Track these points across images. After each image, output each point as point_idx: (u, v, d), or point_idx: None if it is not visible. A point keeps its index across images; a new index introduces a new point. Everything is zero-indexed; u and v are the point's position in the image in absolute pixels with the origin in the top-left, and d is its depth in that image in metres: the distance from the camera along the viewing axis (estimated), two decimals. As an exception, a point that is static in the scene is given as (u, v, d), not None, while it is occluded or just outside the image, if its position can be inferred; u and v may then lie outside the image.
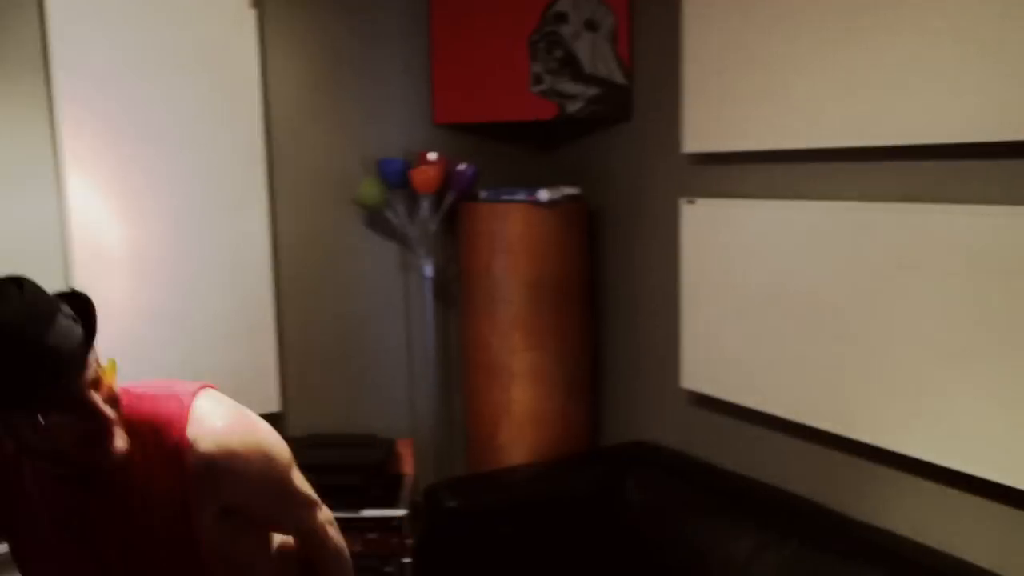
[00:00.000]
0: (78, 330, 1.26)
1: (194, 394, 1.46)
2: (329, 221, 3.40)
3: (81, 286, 2.86)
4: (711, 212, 2.84)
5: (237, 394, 3.15)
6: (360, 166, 3.39)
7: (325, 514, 1.72)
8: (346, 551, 1.74)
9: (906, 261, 2.24)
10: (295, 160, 3.31)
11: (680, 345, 2.99)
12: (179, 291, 3.10)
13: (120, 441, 1.33)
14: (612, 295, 3.45)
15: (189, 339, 3.12)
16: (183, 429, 1.40)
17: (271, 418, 3.22)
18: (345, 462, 3.06)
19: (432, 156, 3.31)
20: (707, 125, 2.81)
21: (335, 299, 3.44)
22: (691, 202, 2.91)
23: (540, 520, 2.95)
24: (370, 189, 3.29)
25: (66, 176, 2.89)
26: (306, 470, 3.06)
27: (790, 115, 2.52)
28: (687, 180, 2.98)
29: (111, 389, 1.34)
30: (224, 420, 1.44)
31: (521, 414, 3.29)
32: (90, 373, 1.27)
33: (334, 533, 1.74)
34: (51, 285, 2.91)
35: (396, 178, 3.32)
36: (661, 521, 2.87)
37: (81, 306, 1.32)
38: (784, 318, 2.59)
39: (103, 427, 1.30)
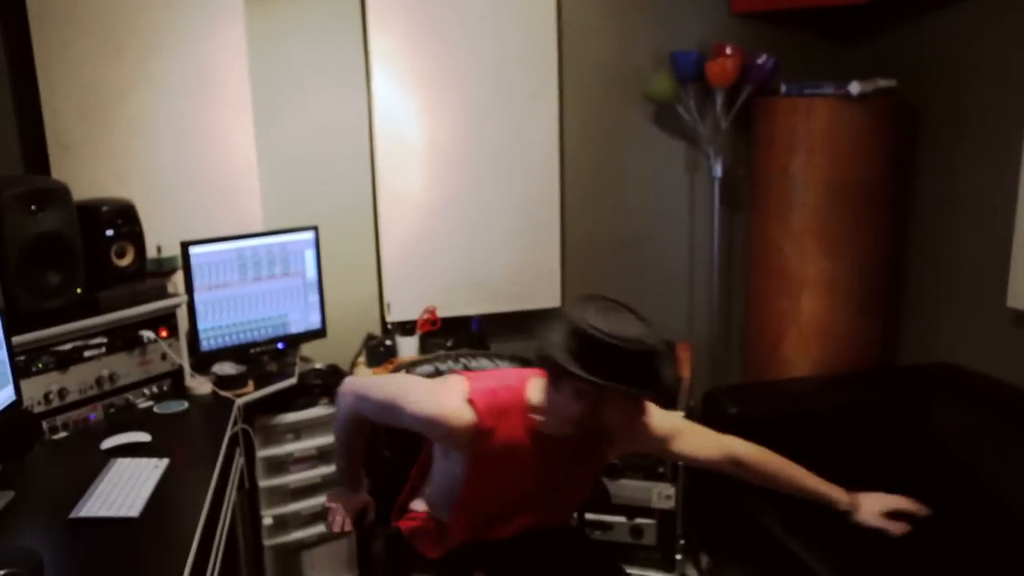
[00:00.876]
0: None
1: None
2: (617, 118, 3.32)
3: (383, 175, 3.04)
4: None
5: (520, 289, 3.28)
6: (652, 60, 3.26)
7: None
8: None
9: None
10: (585, 55, 3.24)
11: (1011, 258, 2.62)
12: (471, 186, 3.18)
13: None
14: (924, 202, 3.09)
15: (477, 233, 3.21)
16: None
17: (551, 313, 3.31)
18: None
19: (729, 50, 3.10)
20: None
21: (619, 197, 3.38)
22: (1040, 93, 2.49)
23: (824, 434, 2.77)
24: (662, 83, 3.16)
25: (374, 73, 3.03)
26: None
27: None
28: (1036, 68, 2.55)
29: None
30: None
31: (809, 325, 3.08)
32: None
33: None
34: (360, 176, 3.13)
35: (689, 71, 3.15)
36: (966, 450, 2.60)
37: None
38: None
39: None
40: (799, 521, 2.51)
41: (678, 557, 3.05)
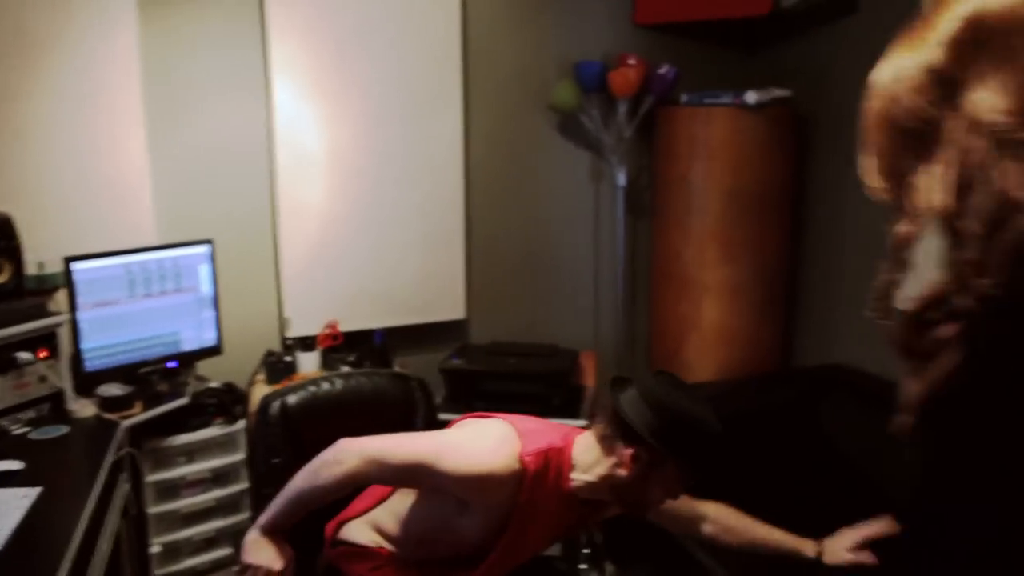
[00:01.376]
0: None
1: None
2: (522, 127, 3.31)
3: (282, 185, 2.95)
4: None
5: (425, 301, 3.23)
6: (556, 69, 3.25)
7: None
8: None
9: None
10: (490, 63, 3.22)
11: (898, 264, 2.69)
12: (373, 195, 3.12)
13: None
14: (817, 208, 3.16)
15: (380, 244, 3.15)
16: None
17: (456, 325, 3.33)
18: (528, 369, 3.02)
19: (631, 60, 3.12)
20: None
21: (524, 207, 3.37)
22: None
23: (728, 437, 2.80)
24: (566, 92, 3.15)
25: (274, 81, 2.94)
26: (488, 377, 3.08)
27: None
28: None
29: None
30: None
31: (710, 330, 3.12)
32: None
33: None
34: (258, 187, 3.03)
35: (593, 81, 3.16)
36: (856, 448, 2.66)
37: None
38: None
39: None
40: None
41: (582, 567, 3.04)
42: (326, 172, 3.04)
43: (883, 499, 2.49)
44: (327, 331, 3.03)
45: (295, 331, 3.04)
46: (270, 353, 2.98)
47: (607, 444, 1.63)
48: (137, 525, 2.63)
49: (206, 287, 2.79)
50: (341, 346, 3.05)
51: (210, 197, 2.93)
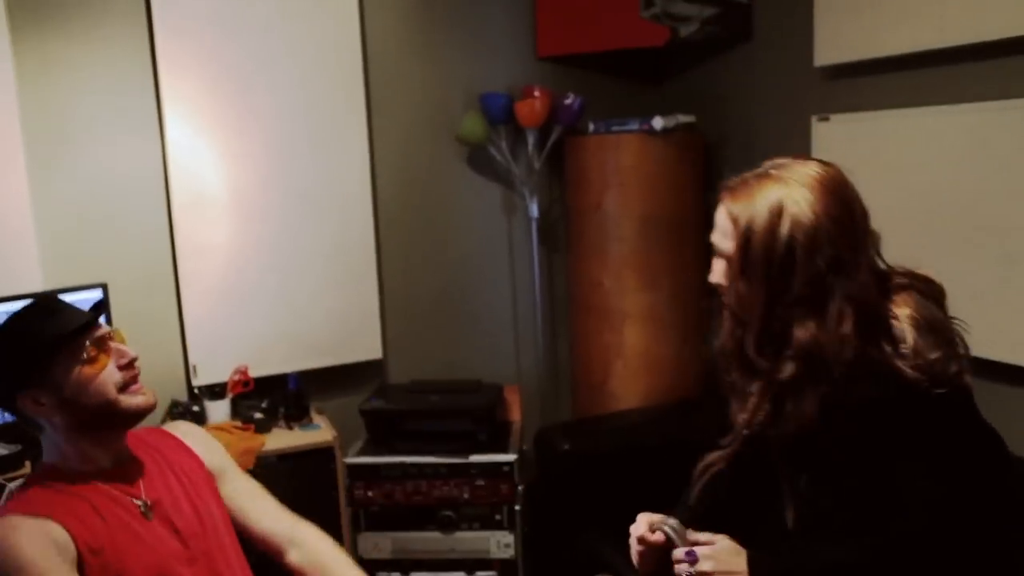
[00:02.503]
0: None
1: None
2: (430, 161, 3.24)
3: (181, 226, 2.78)
4: (847, 128, 2.56)
5: (339, 341, 3.09)
6: (462, 102, 3.21)
7: None
8: None
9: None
10: (394, 97, 3.15)
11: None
12: (280, 234, 2.97)
13: None
14: (730, 232, 3.19)
15: (289, 284, 3.00)
16: None
17: (373, 365, 3.19)
18: (452, 406, 2.91)
19: (537, 92, 3.11)
20: (840, 34, 2.53)
21: (437, 241, 3.29)
22: (824, 119, 2.63)
23: (657, 464, 2.73)
24: (473, 124, 3.11)
25: (166, 117, 2.79)
26: (412, 416, 2.95)
27: (937, 6, 2.22)
28: (818, 98, 2.70)
29: None
30: None
31: (634, 358, 3.08)
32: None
33: None
34: (155, 227, 2.85)
35: (499, 113, 3.13)
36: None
37: None
38: (933, 233, 2.30)
39: None
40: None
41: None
42: (228, 211, 2.89)
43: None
44: (237, 377, 2.84)
45: (202, 379, 2.84)
46: (176, 403, 2.77)
47: (30, 426, 1.48)
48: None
49: (102, 334, 2.58)
50: (253, 392, 2.87)
51: (103, 240, 2.73)
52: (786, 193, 1.33)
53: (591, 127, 3.11)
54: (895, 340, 1.32)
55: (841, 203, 1.33)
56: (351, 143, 3.05)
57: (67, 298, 2.47)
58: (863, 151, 2.51)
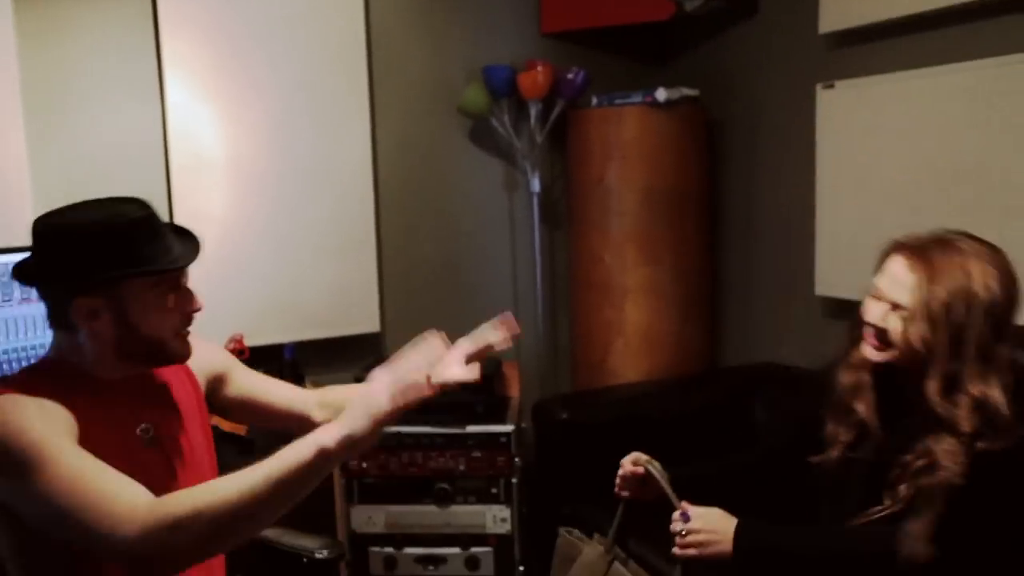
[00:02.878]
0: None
1: None
2: (432, 135, 3.21)
3: (180, 192, 2.76)
4: (852, 94, 2.52)
5: (336, 313, 3.05)
6: (464, 78, 3.18)
7: None
8: None
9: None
10: (397, 70, 3.13)
11: (815, 249, 2.69)
12: (279, 203, 2.94)
13: None
14: (733, 207, 3.15)
15: (287, 253, 2.96)
16: None
17: (371, 339, 3.14)
18: (450, 376, 2.85)
19: (540, 68, 3.08)
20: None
21: (438, 215, 3.25)
22: (829, 87, 2.59)
23: (656, 436, 2.67)
24: (475, 95, 3.08)
25: (167, 79, 2.77)
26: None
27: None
28: (823, 66, 2.66)
29: None
30: None
31: (634, 334, 3.03)
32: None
33: None
34: (153, 194, 2.82)
35: (502, 86, 3.10)
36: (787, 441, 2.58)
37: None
38: (941, 197, 2.25)
39: None
40: (642, 527, 2.38)
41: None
42: (227, 177, 2.86)
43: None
44: (232, 346, 2.79)
45: (196, 345, 2.80)
46: (168, 368, 2.73)
47: (63, 325, 1.36)
48: None
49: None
50: (248, 361, 2.80)
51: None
52: (973, 265, 1.47)
53: (594, 101, 3.08)
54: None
55: (1013, 281, 1.49)
56: (352, 115, 3.02)
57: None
58: (868, 115, 2.47)
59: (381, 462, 2.74)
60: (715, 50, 3.19)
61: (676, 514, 1.63)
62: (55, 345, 1.42)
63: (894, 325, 1.51)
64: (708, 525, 1.60)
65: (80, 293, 1.31)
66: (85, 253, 1.30)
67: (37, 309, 2.41)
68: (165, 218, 1.42)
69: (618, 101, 3.00)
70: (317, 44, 2.95)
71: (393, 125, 3.13)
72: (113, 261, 1.30)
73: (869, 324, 1.57)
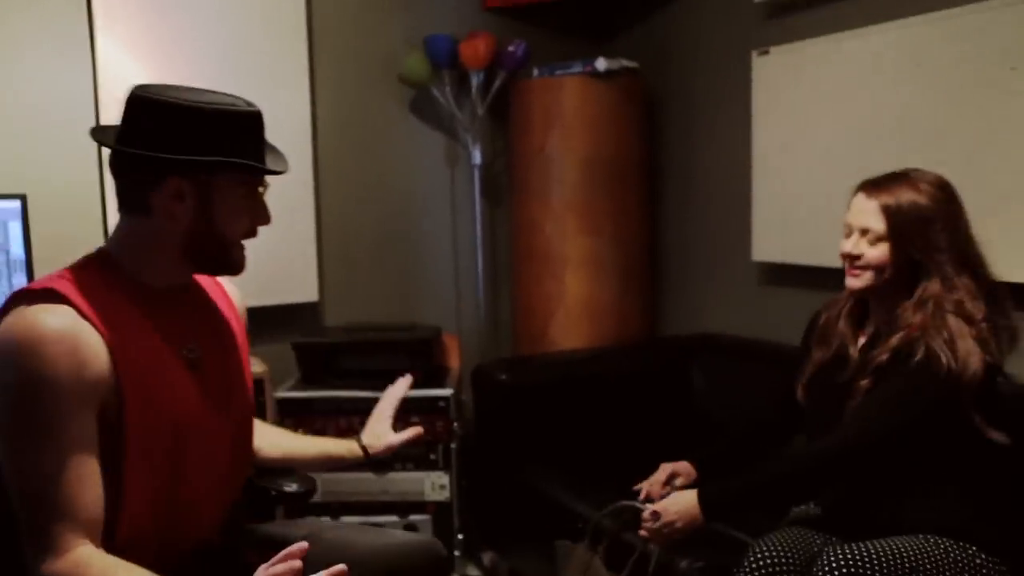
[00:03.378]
0: None
1: None
2: (373, 103, 3.17)
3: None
4: (786, 59, 2.56)
5: (272, 281, 2.97)
6: (405, 47, 3.15)
7: None
8: None
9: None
10: (337, 40, 3.08)
11: (751, 215, 2.71)
12: (215, 170, 2.87)
13: None
14: (671, 177, 3.18)
15: (224, 221, 2.89)
16: None
17: (308, 308, 3.08)
18: (387, 341, 2.81)
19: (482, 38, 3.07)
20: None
21: (378, 185, 3.20)
22: (764, 53, 2.63)
23: (592, 401, 2.67)
24: (416, 64, 3.05)
25: (97, 37, 2.69)
26: (345, 350, 2.85)
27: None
28: (759, 34, 2.70)
29: None
30: None
31: (575, 305, 3.02)
32: None
33: None
34: (84, 153, 2.74)
35: (444, 57, 3.08)
36: (728, 405, 2.60)
37: None
38: (874, 155, 2.28)
39: None
40: (582, 485, 2.35)
41: (456, 554, 2.79)
42: (161, 138, 2.78)
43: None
44: (163, 309, 2.71)
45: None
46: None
47: (138, 206, 1.29)
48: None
49: (17, 247, 2.44)
50: (179, 325, 2.73)
51: (24, 157, 2.60)
52: (920, 184, 1.64)
53: (535, 72, 3.08)
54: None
55: (955, 196, 1.66)
56: (290, 80, 2.97)
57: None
58: (802, 80, 2.50)
59: (318, 427, 2.66)
60: (654, 25, 3.22)
61: (646, 514, 1.76)
62: (114, 238, 1.35)
63: (865, 248, 1.65)
64: (675, 506, 1.73)
65: (175, 172, 1.26)
66: (194, 131, 1.25)
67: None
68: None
69: (559, 72, 3.01)
70: (255, 6, 2.89)
71: (332, 92, 3.08)
72: (220, 146, 1.26)
73: (844, 255, 1.69)
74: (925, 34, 2.15)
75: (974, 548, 1.55)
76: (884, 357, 1.61)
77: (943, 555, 1.52)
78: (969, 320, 1.55)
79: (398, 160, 3.23)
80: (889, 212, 1.61)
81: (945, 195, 1.64)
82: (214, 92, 1.35)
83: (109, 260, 1.33)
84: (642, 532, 1.77)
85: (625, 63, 2.99)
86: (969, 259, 1.61)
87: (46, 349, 1.16)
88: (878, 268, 1.64)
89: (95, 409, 1.21)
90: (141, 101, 1.28)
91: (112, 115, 2.64)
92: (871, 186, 1.68)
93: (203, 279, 1.51)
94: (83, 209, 2.71)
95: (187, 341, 1.37)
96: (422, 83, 3.10)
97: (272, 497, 1.70)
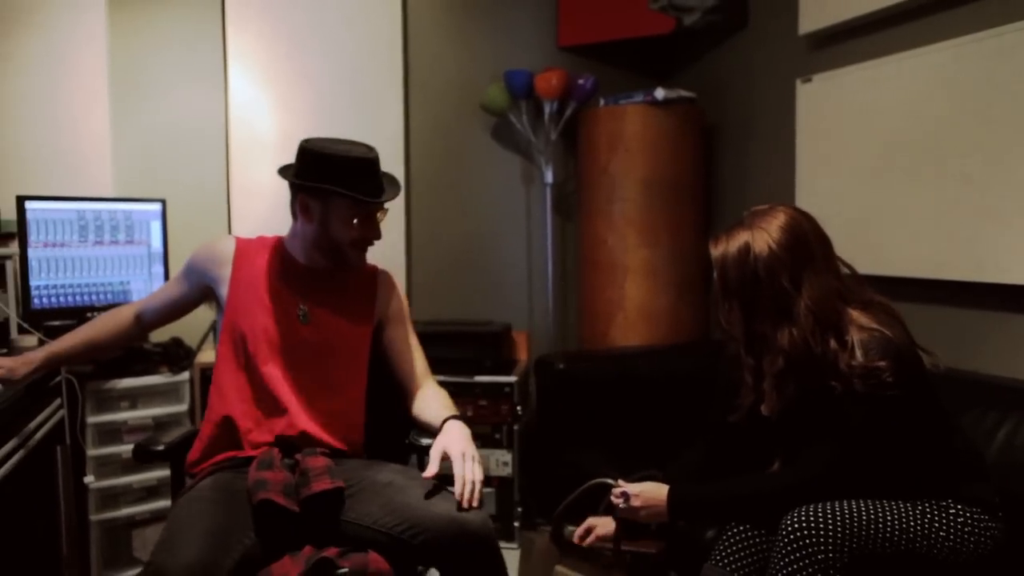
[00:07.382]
0: None
1: None
2: (458, 128, 3.40)
3: (237, 166, 2.96)
4: (827, 85, 2.63)
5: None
6: (488, 79, 3.36)
7: None
8: None
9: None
10: (429, 68, 3.36)
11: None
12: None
13: None
14: (723, 197, 3.26)
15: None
16: None
17: None
18: (461, 333, 2.98)
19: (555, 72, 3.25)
20: (820, 3, 2.62)
21: (461, 204, 3.43)
22: (807, 81, 2.70)
23: (646, 392, 2.75)
24: (496, 93, 3.26)
25: (230, 71, 3.00)
26: (431, 340, 3.02)
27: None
28: (802, 63, 2.77)
29: None
30: None
31: (633, 309, 3.12)
32: None
33: None
34: (214, 166, 3.04)
35: (521, 89, 3.27)
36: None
37: None
38: (910, 172, 2.33)
39: None
40: (622, 472, 2.43)
41: (516, 525, 2.90)
42: (278, 156, 3.02)
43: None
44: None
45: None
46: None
47: (293, 212, 1.81)
48: (74, 463, 2.45)
49: (157, 242, 2.73)
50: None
51: (167, 167, 2.93)
52: (751, 235, 1.61)
53: (601, 102, 3.23)
54: (845, 343, 1.55)
55: (796, 238, 1.60)
56: (389, 106, 3.22)
57: (128, 207, 2.67)
58: (841, 103, 2.57)
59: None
60: (710, 60, 3.33)
61: (616, 491, 1.75)
62: (291, 230, 1.86)
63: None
64: (645, 493, 1.72)
65: (305, 192, 1.73)
66: (319, 169, 1.70)
67: (109, 252, 2.61)
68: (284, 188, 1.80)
69: (622, 101, 3.15)
70: (361, 44, 3.17)
71: (423, 117, 3.32)
72: (333, 180, 1.69)
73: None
74: (955, 57, 2.19)
75: (950, 500, 1.54)
76: (780, 364, 1.59)
77: (920, 513, 1.52)
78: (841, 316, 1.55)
79: (479, 179, 3.43)
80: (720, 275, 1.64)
81: (785, 242, 1.60)
82: (352, 143, 1.76)
83: (280, 240, 1.89)
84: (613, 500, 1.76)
85: (683, 93, 3.10)
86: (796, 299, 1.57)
87: (203, 244, 1.88)
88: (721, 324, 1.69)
89: (199, 280, 1.85)
90: (301, 148, 1.75)
91: (240, 134, 2.97)
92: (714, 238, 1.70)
93: (366, 271, 1.94)
94: (211, 212, 3.00)
95: (304, 301, 1.82)
96: (502, 111, 3.29)
97: (406, 446, 1.91)
